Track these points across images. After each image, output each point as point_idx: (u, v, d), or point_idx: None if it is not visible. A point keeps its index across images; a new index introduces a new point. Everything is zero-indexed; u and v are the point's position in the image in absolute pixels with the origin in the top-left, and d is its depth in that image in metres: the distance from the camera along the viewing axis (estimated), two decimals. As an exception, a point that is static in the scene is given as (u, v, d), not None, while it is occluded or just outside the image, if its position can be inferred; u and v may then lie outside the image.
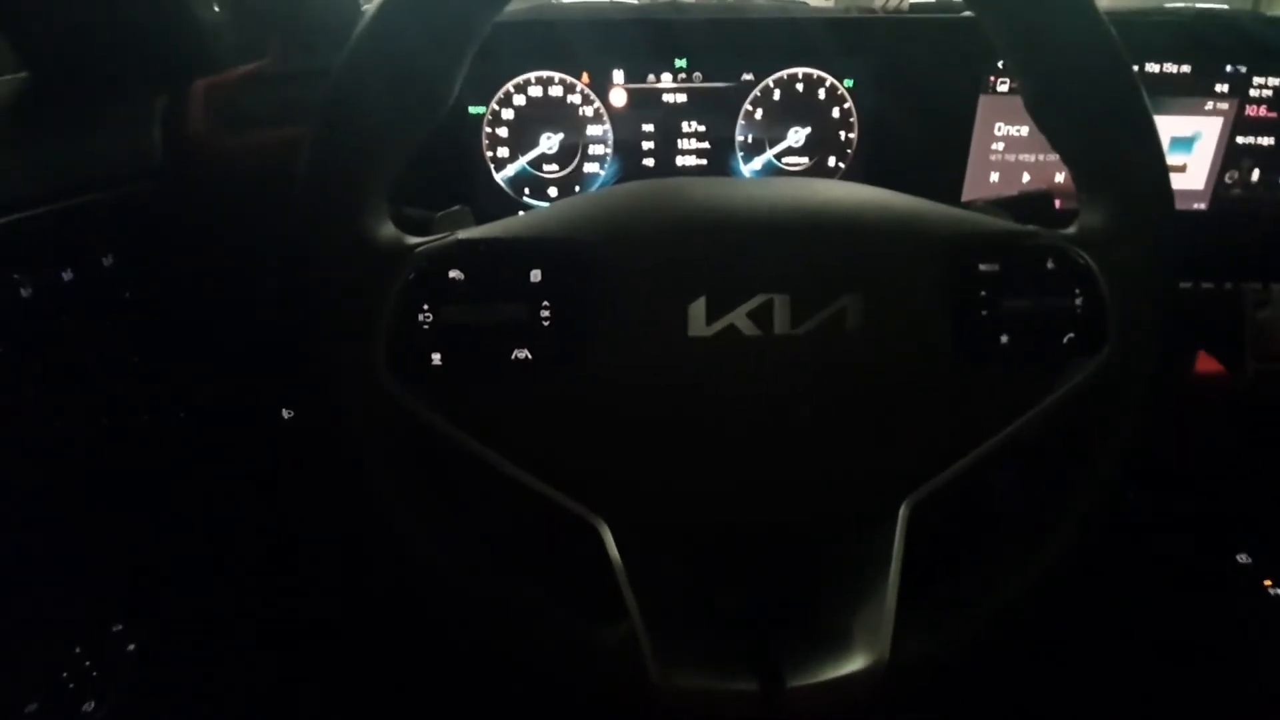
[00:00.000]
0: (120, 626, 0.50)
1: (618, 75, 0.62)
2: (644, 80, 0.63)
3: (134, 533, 0.52)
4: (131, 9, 0.53)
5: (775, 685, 0.33)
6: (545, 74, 0.62)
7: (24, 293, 0.41)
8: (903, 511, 0.35)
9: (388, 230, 0.34)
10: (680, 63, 0.62)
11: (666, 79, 0.63)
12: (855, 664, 0.33)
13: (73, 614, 0.48)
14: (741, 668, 0.34)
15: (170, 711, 0.51)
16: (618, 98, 0.63)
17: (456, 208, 0.39)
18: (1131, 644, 0.74)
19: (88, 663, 0.47)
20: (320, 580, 0.66)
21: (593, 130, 0.63)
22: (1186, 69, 0.63)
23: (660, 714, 0.34)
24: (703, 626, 0.36)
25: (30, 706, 0.44)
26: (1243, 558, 0.75)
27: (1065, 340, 0.36)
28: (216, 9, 0.59)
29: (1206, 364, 0.69)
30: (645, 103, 0.63)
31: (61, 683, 0.46)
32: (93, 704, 0.46)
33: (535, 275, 0.33)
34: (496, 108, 0.62)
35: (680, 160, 0.65)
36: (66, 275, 0.43)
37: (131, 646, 0.50)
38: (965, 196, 0.67)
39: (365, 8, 0.55)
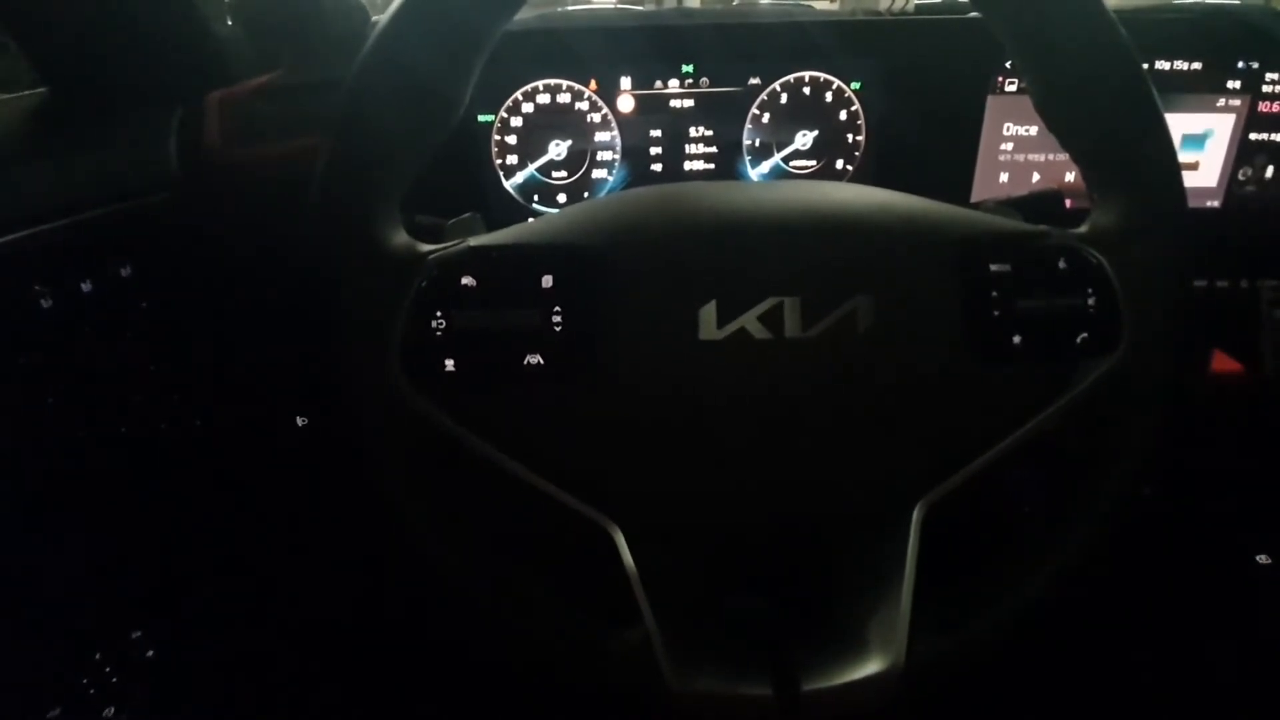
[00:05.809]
0: (139, 633, 0.50)
1: (625, 82, 0.62)
2: (651, 86, 0.63)
3: (151, 540, 0.52)
4: (146, 24, 0.53)
5: (790, 689, 0.33)
6: (553, 81, 0.62)
7: (45, 304, 0.42)
8: (917, 513, 0.35)
9: (401, 238, 0.34)
10: (687, 68, 0.62)
11: (673, 84, 0.63)
12: (870, 667, 0.33)
13: (92, 621, 0.49)
14: (755, 671, 0.34)
15: (188, 716, 0.52)
16: (625, 104, 0.63)
17: (467, 215, 0.39)
18: (1150, 645, 0.73)
19: (108, 669, 0.48)
20: (335, 586, 0.66)
21: (600, 136, 0.64)
22: (1198, 66, 0.63)
23: (674, 718, 0.34)
24: (716, 630, 0.36)
25: (53, 712, 0.45)
26: (1263, 558, 0.74)
27: (1079, 340, 0.35)
28: (230, 22, 0.60)
29: (1223, 363, 0.68)
30: (652, 108, 0.63)
31: (82, 689, 0.46)
32: (113, 709, 0.47)
33: (547, 281, 0.33)
34: (505, 115, 0.62)
35: (688, 165, 0.65)
36: (86, 286, 0.44)
37: (150, 653, 0.50)
38: (974, 197, 0.66)
39: (375, 19, 0.56)
